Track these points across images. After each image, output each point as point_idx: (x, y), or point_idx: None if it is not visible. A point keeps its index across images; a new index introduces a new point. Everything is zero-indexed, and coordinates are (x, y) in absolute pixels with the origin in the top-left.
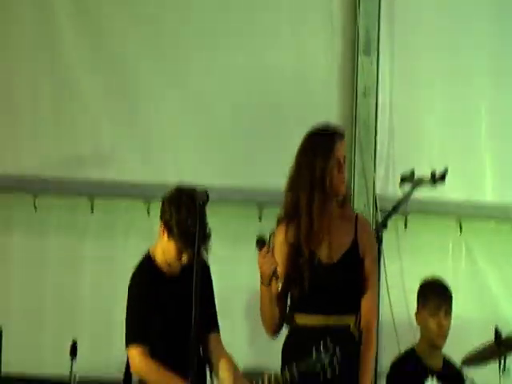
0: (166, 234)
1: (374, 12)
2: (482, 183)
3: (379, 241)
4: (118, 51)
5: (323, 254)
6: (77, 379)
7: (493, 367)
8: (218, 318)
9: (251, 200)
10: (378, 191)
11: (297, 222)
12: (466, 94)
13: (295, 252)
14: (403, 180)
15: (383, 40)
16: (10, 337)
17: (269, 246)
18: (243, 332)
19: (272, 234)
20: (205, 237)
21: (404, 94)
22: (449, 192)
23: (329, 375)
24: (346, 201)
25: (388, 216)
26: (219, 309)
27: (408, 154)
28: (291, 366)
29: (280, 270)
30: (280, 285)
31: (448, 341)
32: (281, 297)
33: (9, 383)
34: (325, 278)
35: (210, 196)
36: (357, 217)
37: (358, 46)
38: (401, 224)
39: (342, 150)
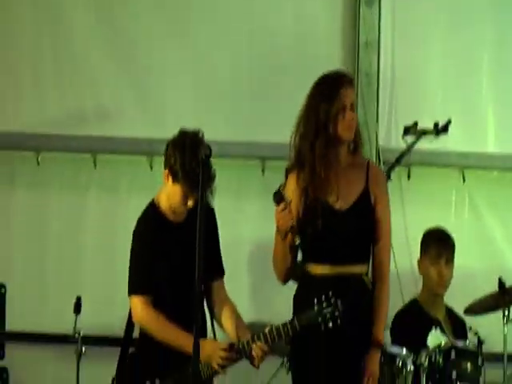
0: (170, 180)
1: None
2: (484, 134)
3: None
4: (118, 7)
5: (334, 201)
6: (81, 335)
7: (496, 317)
8: None
9: (254, 153)
10: (380, 143)
11: (304, 169)
12: (468, 44)
13: (307, 197)
14: (406, 131)
15: None
16: (14, 294)
17: (286, 201)
18: (245, 284)
19: (282, 186)
20: (209, 178)
21: (406, 46)
22: (451, 143)
23: (330, 327)
24: (357, 148)
25: (391, 167)
26: None
27: (410, 105)
28: (292, 318)
29: (294, 212)
30: (297, 239)
31: (452, 291)
32: (294, 246)
33: (13, 340)
34: (336, 224)
35: (213, 150)
36: (368, 164)
37: None
38: (404, 175)
39: (348, 95)
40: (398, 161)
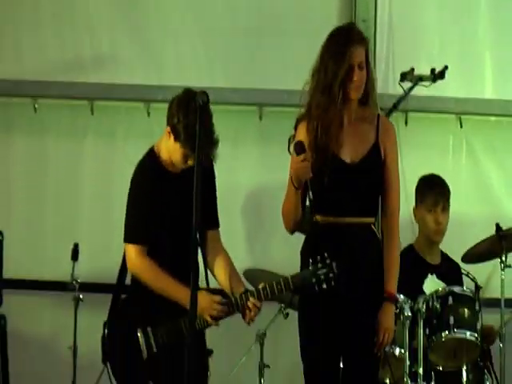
0: (172, 138)
1: None
2: (481, 79)
3: None
4: None
5: (344, 154)
6: (78, 282)
7: (494, 264)
8: None
9: (251, 100)
10: (377, 89)
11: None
12: None
13: (317, 149)
14: (403, 77)
15: None
16: (11, 241)
17: (306, 153)
18: (240, 230)
19: (292, 137)
20: (212, 143)
21: None
22: (449, 89)
23: (324, 288)
24: (368, 102)
25: (388, 113)
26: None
27: (407, 51)
28: (286, 277)
29: None
30: (311, 192)
31: (449, 237)
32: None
33: (10, 287)
34: (346, 176)
35: (210, 97)
36: (378, 118)
37: None
38: (401, 121)
39: (357, 55)
40: (396, 106)
